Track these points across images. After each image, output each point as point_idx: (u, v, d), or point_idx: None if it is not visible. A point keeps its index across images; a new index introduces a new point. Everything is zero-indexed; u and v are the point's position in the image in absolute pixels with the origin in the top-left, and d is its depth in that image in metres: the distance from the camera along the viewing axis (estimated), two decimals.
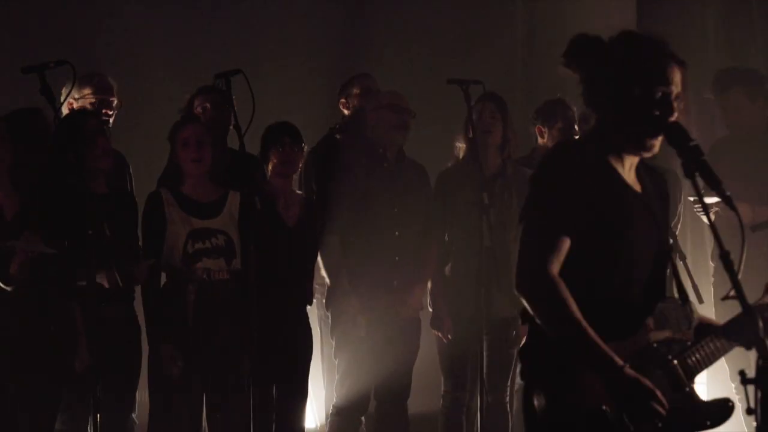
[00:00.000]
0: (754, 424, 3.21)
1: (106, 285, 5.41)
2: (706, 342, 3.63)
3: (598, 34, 3.58)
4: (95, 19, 8.00)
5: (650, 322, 3.55)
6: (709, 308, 6.67)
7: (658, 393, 3.42)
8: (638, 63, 3.52)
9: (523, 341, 3.63)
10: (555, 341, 3.45)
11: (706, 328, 3.67)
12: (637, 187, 3.61)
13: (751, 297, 3.25)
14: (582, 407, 3.44)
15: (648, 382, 3.41)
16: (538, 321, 3.48)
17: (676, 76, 3.53)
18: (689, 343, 3.60)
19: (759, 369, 3.16)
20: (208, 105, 6.32)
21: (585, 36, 3.60)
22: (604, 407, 3.42)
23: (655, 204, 3.63)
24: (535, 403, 3.47)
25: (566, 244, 3.45)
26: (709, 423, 3.62)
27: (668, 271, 3.69)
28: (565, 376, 3.46)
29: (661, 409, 3.42)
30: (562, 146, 3.64)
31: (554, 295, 3.42)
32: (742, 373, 3.20)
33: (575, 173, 3.48)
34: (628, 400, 3.42)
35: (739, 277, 3.26)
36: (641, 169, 3.65)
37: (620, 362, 3.40)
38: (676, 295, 3.71)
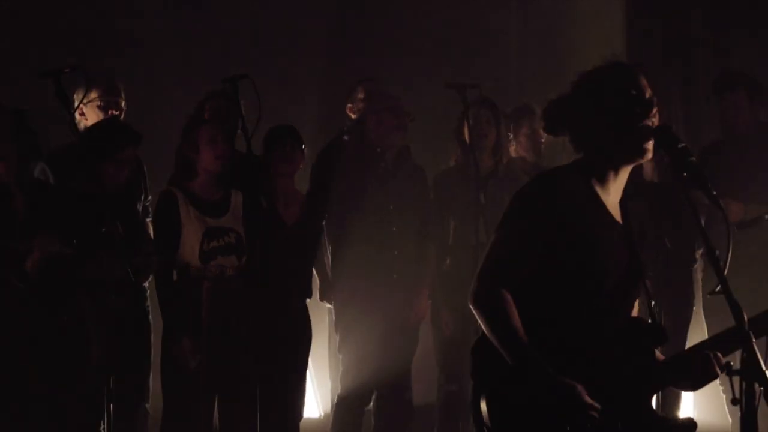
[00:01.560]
0: (739, 414, 3.23)
1: (116, 279, 5.42)
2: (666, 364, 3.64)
3: (557, 95, 3.64)
4: (107, 26, 8.02)
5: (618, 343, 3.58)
6: (697, 303, 6.72)
7: (589, 400, 3.42)
8: (603, 80, 3.57)
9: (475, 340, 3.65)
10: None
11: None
12: (618, 216, 3.63)
13: (738, 293, 3.26)
14: (527, 417, 3.47)
15: (580, 388, 3.42)
16: (483, 327, 3.53)
17: (642, 79, 3.57)
18: (652, 364, 3.62)
19: (744, 361, 3.18)
20: (216, 108, 6.34)
21: (552, 101, 3.65)
22: (567, 428, 3.45)
23: (635, 234, 3.64)
24: (481, 408, 3.52)
25: (525, 270, 3.49)
26: None
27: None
28: (509, 383, 3.49)
29: (594, 413, 3.43)
30: (545, 174, 3.66)
31: (497, 305, 3.47)
32: (727, 365, 3.23)
33: (554, 202, 3.50)
34: (563, 407, 3.43)
35: (726, 273, 3.28)
36: (625, 200, 3.67)
37: (552, 371, 3.42)
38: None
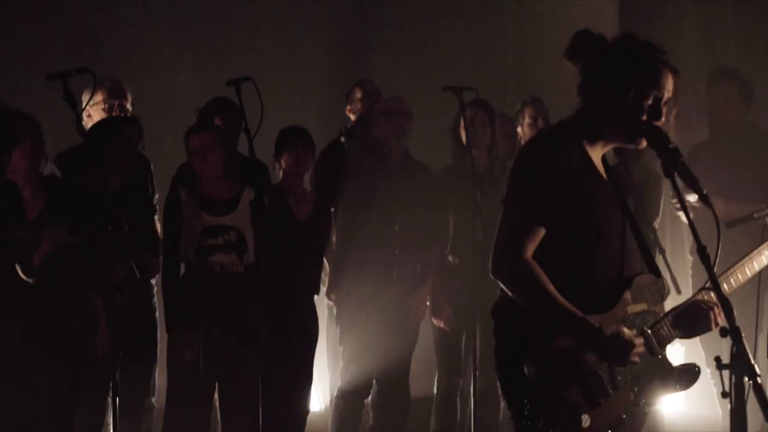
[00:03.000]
0: (729, 406, 3.23)
1: (123, 276, 5.41)
2: (671, 315, 3.71)
3: (600, 33, 3.62)
4: (114, 29, 8.02)
5: (628, 295, 3.64)
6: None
7: (635, 341, 3.53)
8: (636, 66, 3.57)
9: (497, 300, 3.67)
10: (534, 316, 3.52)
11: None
12: (602, 173, 3.67)
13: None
14: (567, 378, 3.51)
15: (626, 332, 3.52)
16: (518, 301, 3.53)
17: (669, 83, 3.58)
18: (662, 315, 3.70)
19: (733, 355, 3.18)
20: (218, 116, 6.33)
21: (589, 32, 3.64)
22: (588, 377, 3.52)
23: (620, 189, 3.70)
24: (526, 371, 3.51)
25: (541, 232, 3.52)
26: (678, 387, 3.73)
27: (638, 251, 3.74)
28: (548, 348, 3.52)
29: (637, 358, 3.54)
30: (539, 136, 3.70)
31: (529, 275, 3.49)
32: (717, 359, 3.23)
33: (551, 163, 3.53)
34: (611, 353, 3.51)
35: (715, 270, 3.28)
36: (605, 157, 3.71)
37: (596, 324, 3.48)
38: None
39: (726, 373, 3.20)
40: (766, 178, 6.57)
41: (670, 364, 3.72)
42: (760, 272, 5.38)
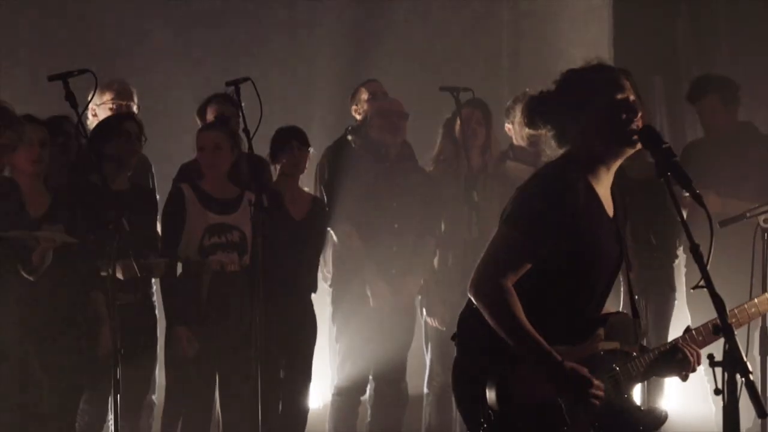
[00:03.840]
0: (721, 403, 3.23)
1: (122, 276, 5.41)
2: (648, 357, 3.68)
3: (538, 92, 3.63)
4: (116, 30, 8.02)
5: (601, 332, 3.61)
6: (681, 297, 6.71)
7: (594, 380, 3.49)
8: (590, 80, 3.57)
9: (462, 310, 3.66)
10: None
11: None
12: (610, 210, 3.64)
13: (720, 287, 3.26)
14: (525, 401, 3.50)
15: (585, 371, 3.48)
16: (488, 320, 3.52)
17: (626, 83, 3.57)
18: (634, 355, 3.66)
19: (726, 353, 3.17)
20: (219, 112, 6.34)
21: (531, 99, 3.64)
22: (545, 402, 3.49)
23: (622, 225, 3.67)
24: (488, 395, 3.50)
25: (527, 266, 3.51)
26: (641, 429, 3.67)
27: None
28: (509, 370, 3.51)
29: (598, 394, 3.49)
30: (555, 170, 3.63)
31: (502, 300, 3.48)
32: (710, 357, 3.23)
33: (562, 203, 3.50)
34: (568, 390, 3.48)
35: (708, 268, 3.28)
36: (615, 189, 3.68)
37: (559, 357, 3.45)
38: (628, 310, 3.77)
39: (719, 370, 3.20)
40: (760, 176, 6.56)
41: (634, 406, 3.68)
42: (752, 267, 5.45)
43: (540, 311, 3.50)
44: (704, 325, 3.68)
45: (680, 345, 3.67)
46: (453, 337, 3.68)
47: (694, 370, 3.68)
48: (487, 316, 3.52)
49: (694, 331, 3.71)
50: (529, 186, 3.62)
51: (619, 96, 3.54)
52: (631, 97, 3.56)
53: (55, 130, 5.58)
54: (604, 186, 3.63)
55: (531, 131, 3.68)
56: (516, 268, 3.50)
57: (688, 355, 3.65)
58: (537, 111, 3.63)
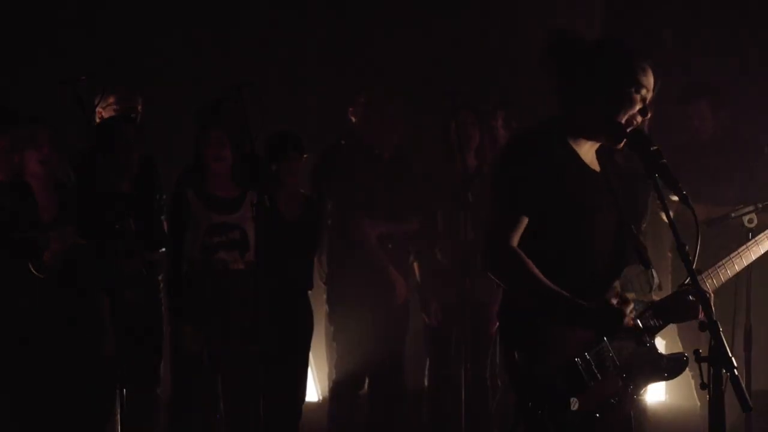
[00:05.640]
0: (707, 398, 3.25)
1: (132, 272, 5.43)
2: (663, 303, 3.69)
3: (577, 35, 3.59)
4: (123, 35, 8.01)
5: (617, 285, 3.61)
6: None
7: (624, 307, 3.50)
8: (614, 65, 3.53)
9: (500, 302, 3.67)
10: (526, 304, 3.52)
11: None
12: (596, 167, 3.64)
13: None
14: (556, 361, 3.50)
15: (612, 300, 3.49)
16: (507, 289, 3.54)
17: (649, 81, 3.55)
18: (650, 304, 3.67)
19: (712, 348, 3.19)
20: (227, 111, 6.36)
21: (565, 34, 3.61)
22: (576, 359, 3.50)
23: (613, 181, 3.65)
24: (516, 358, 3.52)
25: (524, 221, 3.50)
26: (666, 375, 3.71)
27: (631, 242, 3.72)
28: (539, 334, 3.52)
29: (631, 322, 3.52)
30: (521, 133, 3.65)
31: (516, 263, 3.48)
32: (696, 352, 3.25)
33: (532, 156, 3.51)
34: (601, 323, 3.49)
35: (694, 266, 3.30)
36: (601, 152, 3.67)
37: (584, 303, 3.46)
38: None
39: (705, 365, 3.22)
40: (746, 181, 6.59)
41: (658, 353, 3.70)
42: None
43: (554, 273, 3.49)
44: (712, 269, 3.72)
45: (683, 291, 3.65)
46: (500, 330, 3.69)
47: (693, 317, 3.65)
48: (502, 281, 3.53)
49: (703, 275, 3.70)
50: (497, 159, 3.65)
51: (639, 93, 3.51)
52: (649, 96, 3.54)
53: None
54: (586, 149, 3.62)
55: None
56: (513, 226, 3.49)
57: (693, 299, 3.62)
58: (562, 50, 3.58)
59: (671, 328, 3.86)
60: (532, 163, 3.50)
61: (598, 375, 3.53)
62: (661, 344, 7.02)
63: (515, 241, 3.50)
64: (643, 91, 3.54)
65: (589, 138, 3.61)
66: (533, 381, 3.50)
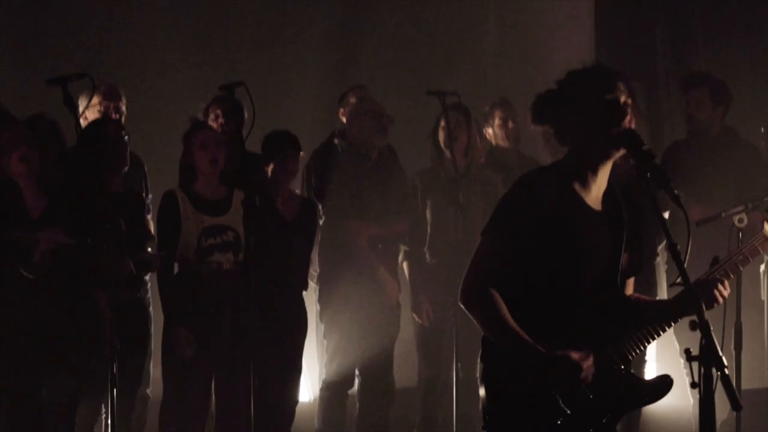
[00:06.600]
0: (698, 396, 3.25)
1: (124, 272, 5.42)
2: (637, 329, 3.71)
3: (548, 89, 3.64)
4: (113, 35, 8.01)
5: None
6: (661, 292, 6.75)
7: (584, 363, 3.51)
8: (585, 80, 3.58)
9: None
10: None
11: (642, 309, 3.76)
12: (597, 206, 3.64)
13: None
14: (524, 393, 3.56)
15: (574, 355, 3.50)
16: (479, 326, 3.61)
17: (621, 85, 3.57)
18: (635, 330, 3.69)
19: (702, 348, 3.20)
20: (219, 112, 6.35)
21: (538, 97, 3.64)
22: (543, 394, 3.53)
23: (616, 222, 3.65)
24: (490, 388, 3.59)
25: (508, 263, 3.55)
26: (647, 400, 3.72)
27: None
28: (512, 366, 3.57)
29: (587, 378, 3.52)
30: (527, 175, 3.69)
31: (487, 303, 3.55)
32: (687, 351, 3.25)
33: (531, 199, 3.55)
34: (559, 380, 3.52)
35: (686, 265, 3.30)
36: (609, 196, 3.67)
37: (544, 350, 3.49)
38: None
39: (696, 364, 3.21)
40: (741, 180, 6.59)
41: (637, 380, 3.72)
42: None
43: (539, 312, 3.55)
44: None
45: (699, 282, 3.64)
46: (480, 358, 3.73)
47: (720, 298, 3.66)
48: (477, 323, 3.60)
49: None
50: (505, 194, 3.68)
51: (608, 96, 3.53)
52: (622, 99, 3.55)
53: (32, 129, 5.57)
54: (592, 189, 3.62)
55: (536, 126, 3.68)
56: (497, 274, 3.56)
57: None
58: (539, 108, 3.64)
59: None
60: (527, 205, 3.54)
61: (567, 410, 3.55)
62: (652, 348, 7.05)
63: (496, 281, 3.54)
64: (618, 94, 3.54)
65: (593, 167, 3.60)
66: (503, 411, 3.58)
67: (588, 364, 3.53)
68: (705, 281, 3.66)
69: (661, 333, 3.74)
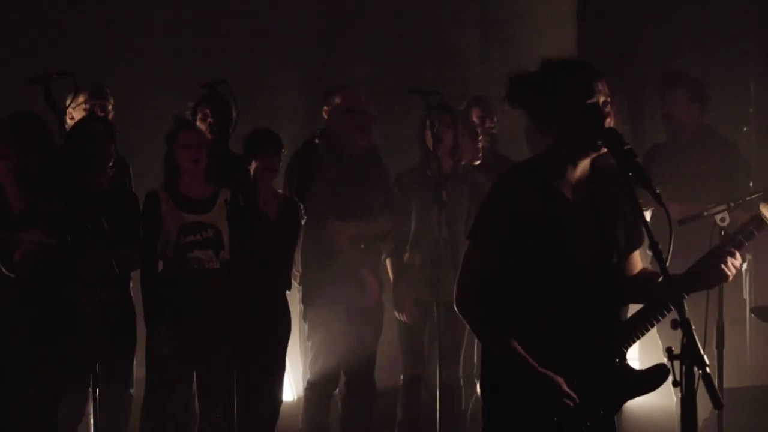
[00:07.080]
0: (681, 394, 3.26)
1: (100, 268, 5.41)
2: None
3: (527, 70, 3.64)
4: (97, 32, 7.99)
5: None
6: None
7: (564, 386, 3.55)
8: (565, 79, 3.57)
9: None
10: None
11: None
12: (580, 194, 3.64)
13: None
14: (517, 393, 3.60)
15: (556, 378, 3.54)
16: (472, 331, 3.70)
17: (601, 86, 3.57)
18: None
19: (684, 346, 3.21)
20: (208, 111, 6.33)
21: (518, 75, 3.65)
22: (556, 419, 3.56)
23: (597, 213, 3.66)
24: (490, 387, 3.64)
25: (496, 262, 3.58)
26: (645, 388, 3.74)
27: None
28: (521, 388, 3.59)
29: (569, 402, 3.56)
30: (502, 177, 3.71)
31: (483, 317, 3.62)
32: (669, 350, 3.26)
33: (507, 199, 3.59)
34: (544, 395, 3.56)
35: (668, 265, 3.31)
36: (589, 183, 3.67)
37: (532, 361, 3.53)
38: None
39: (677, 363, 3.23)
40: (721, 179, 6.61)
41: (630, 370, 3.73)
42: None
43: (531, 308, 3.58)
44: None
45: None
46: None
47: (735, 269, 3.64)
48: (467, 323, 3.67)
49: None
50: (486, 196, 3.72)
51: (590, 101, 3.54)
52: (602, 100, 3.56)
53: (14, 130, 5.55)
54: (571, 181, 3.63)
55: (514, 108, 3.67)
56: (486, 278, 3.59)
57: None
58: (516, 93, 3.64)
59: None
60: (504, 205, 3.58)
61: (556, 417, 3.58)
62: (635, 346, 7.07)
63: (488, 284, 3.58)
64: (597, 95, 3.55)
65: (572, 162, 3.61)
66: (502, 411, 3.63)
67: (569, 392, 3.56)
68: (718, 251, 3.64)
69: (655, 323, 3.75)
